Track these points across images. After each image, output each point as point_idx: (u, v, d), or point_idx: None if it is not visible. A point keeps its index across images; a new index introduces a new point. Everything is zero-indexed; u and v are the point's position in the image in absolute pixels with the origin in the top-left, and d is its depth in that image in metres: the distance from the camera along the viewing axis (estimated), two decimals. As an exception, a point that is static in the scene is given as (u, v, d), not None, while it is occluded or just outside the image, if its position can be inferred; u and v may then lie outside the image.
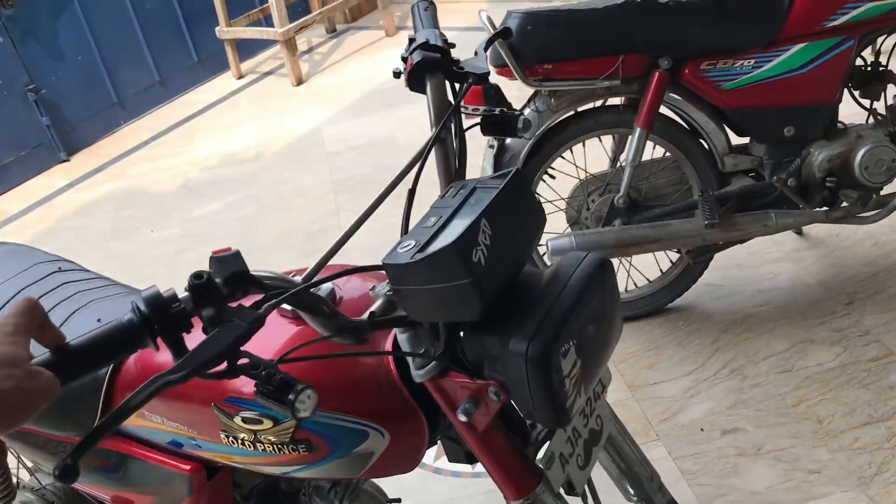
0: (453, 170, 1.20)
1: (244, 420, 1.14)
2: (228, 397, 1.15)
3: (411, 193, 1.11)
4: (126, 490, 1.42)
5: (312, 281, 0.98)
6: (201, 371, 0.81)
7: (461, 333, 1.02)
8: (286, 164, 4.25)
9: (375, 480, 1.48)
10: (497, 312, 0.99)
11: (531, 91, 2.38)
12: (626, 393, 2.38)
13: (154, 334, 0.82)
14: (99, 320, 1.36)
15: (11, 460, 1.71)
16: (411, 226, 1.02)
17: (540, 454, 1.15)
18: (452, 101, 1.22)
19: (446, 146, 1.21)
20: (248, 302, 0.89)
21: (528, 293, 1.02)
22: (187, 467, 1.29)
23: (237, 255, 0.87)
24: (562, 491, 1.17)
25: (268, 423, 1.14)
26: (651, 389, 2.39)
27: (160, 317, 0.81)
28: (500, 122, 1.26)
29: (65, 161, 4.83)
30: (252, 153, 4.47)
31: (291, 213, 3.76)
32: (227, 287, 0.86)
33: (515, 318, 0.99)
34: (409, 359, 1.06)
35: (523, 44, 2.25)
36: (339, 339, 1.02)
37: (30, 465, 1.82)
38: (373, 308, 1.03)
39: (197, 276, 0.83)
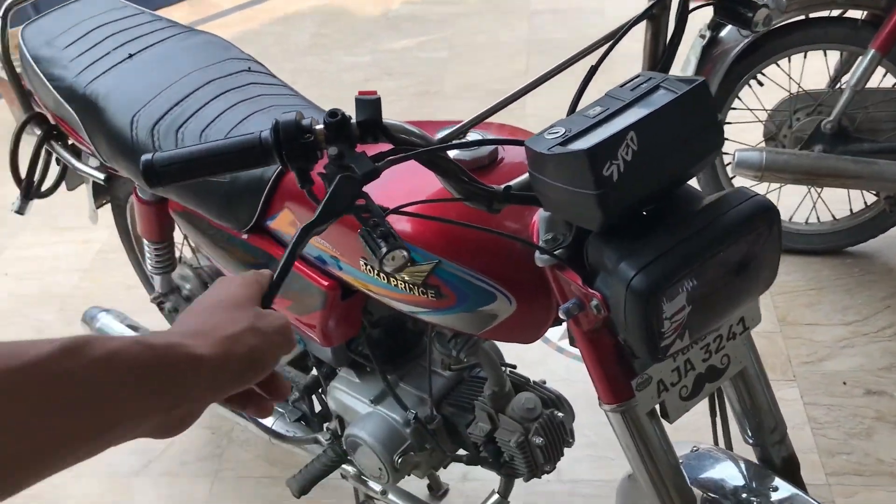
0: (659, 54, 1.10)
1: (383, 253, 1.17)
2: (373, 228, 1.17)
3: (591, 71, 1.04)
4: (268, 289, 1.50)
5: (442, 144, 0.96)
6: (334, 219, 0.86)
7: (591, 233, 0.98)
8: (487, 15, 4.16)
9: (497, 342, 1.49)
10: (632, 225, 0.94)
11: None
12: (774, 326, 2.27)
13: (282, 157, 0.87)
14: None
15: (178, 236, 1.86)
16: (582, 106, 0.96)
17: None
18: None
19: (659, 25, 1.10)
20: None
21: (672, 216, 0.95)
22: (325, 283, 1.34)
23: (377, 102, 0.89)
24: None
25: (405, 262, 1.15)
26: (802, 329, 2.26)
27: (291, 143, 0.86)
28: (734, 9, 1.11)
29: (279, -32, 4.94)
30: (457, -4, 4.40)
31: (480, 66, 3.70)
32: (359, 130, 0.88)
33: (642, 240, 0.93)
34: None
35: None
36: (471, 203, 1.00)
37: (193, 245, 1.96)
38: (513, 182, 1.00)
39: (332, 113, 0.86)
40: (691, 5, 1.13)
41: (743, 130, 2.41)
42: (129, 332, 1.97)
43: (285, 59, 3.97)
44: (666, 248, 0.91)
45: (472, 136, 1.16)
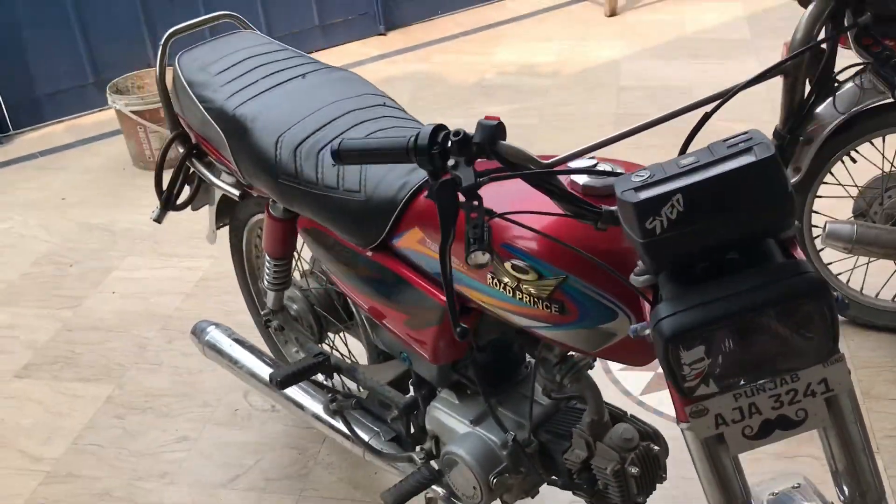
0: (794, 108, 1.19)
1: (513, 267, 1.26)
2: (506, 243, 1.27)
3: (705, 117, 1.16)
4: (383, 303, 1.60)
5: (540, 170, 1.12)
6: (451, 222, 1.08)
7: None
8: (576, 88, 4.32)
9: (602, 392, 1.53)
10: (694, 273, 1.03)
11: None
12: (858, 399, 2.27)
13: (414, 159, 1.10)
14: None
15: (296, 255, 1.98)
16: (691, 149, 1.06)
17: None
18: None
19: (795, 83, 1.20)
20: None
21: (729, 274, 1.01)
22: (444, 299, 1.44)
23: (492, 128, 1.08)
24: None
25: (533, 276, 1.25)
26: (887, 404, 2.26)
27: (421, 150, 1.09)
28: (886, 73, 1.20)
29: (381, 35, 5.20)
30: (548, 70, 4.58)
31: (569, 134, 3.84)
32: (476, 148, 1.08)
33: (693, 289, 1.01)
34: None
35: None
36: (580, 220, 1.13)
37: (305, 267, 2.09)
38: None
39: (456, 133, 1.08)
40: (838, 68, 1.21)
41: (834, 209, 2.46)
42: (237, 347, 2.09)
43: (382, 116, 4.15)
44: (698, 302, 0.99)
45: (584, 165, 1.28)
